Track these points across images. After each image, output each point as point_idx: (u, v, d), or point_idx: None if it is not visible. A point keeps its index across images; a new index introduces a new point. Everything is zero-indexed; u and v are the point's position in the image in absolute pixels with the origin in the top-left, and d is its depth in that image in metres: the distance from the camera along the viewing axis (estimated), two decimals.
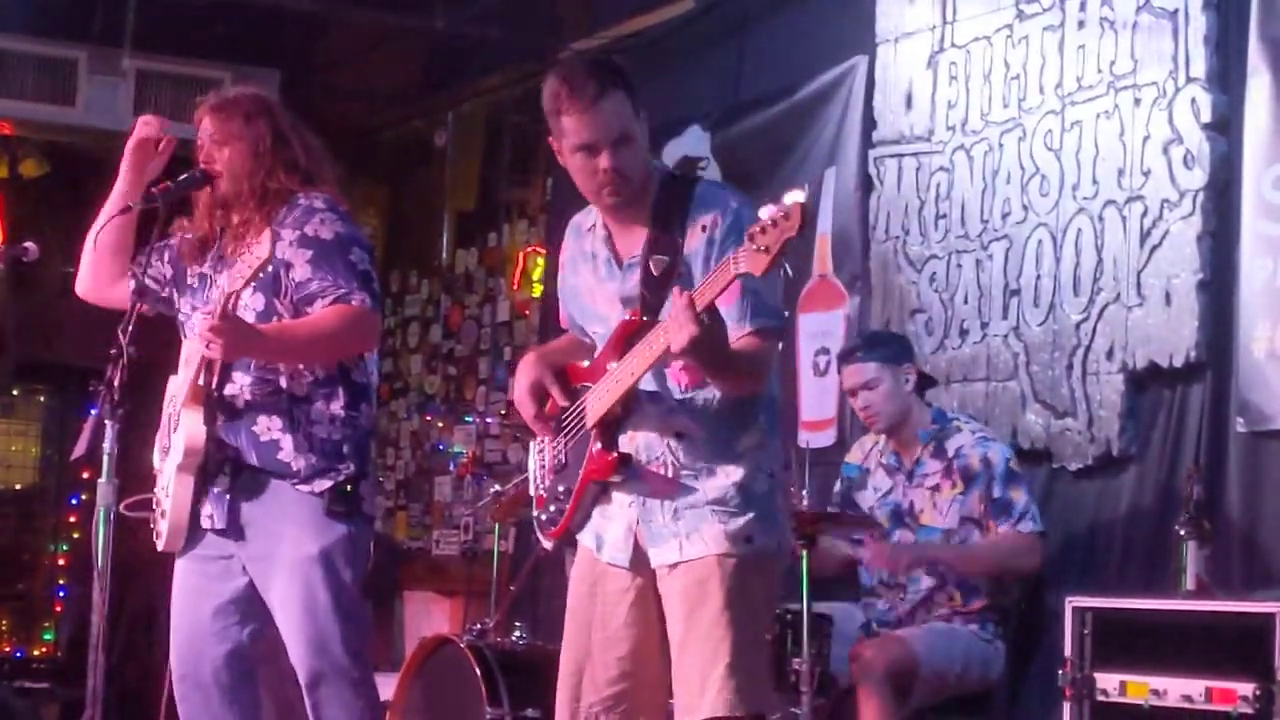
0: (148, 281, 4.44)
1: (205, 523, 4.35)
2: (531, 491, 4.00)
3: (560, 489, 3.84)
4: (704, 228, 3.64)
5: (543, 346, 4.24)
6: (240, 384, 4.33)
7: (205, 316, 4.15)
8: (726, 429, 3.67)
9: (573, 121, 3.66)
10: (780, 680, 4.93)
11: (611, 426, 3.69)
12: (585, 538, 3.85)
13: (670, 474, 3.67)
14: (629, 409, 3.67)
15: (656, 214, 3.69)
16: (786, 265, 3.39)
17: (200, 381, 4.29)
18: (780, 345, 3.74)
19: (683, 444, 3.67)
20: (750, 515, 3.65)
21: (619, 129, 3.64)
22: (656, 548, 3.70)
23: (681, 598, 3.66)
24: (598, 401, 3.69)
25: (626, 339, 3.63)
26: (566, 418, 3.80)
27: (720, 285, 3.38)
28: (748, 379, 3.64)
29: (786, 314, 3.72)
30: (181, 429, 4.28)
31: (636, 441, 3.70)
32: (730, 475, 3.66)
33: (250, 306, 4.29)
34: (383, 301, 4.43)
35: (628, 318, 3.69)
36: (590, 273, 3.86)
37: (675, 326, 3.40)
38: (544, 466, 3.90)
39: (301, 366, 4.32)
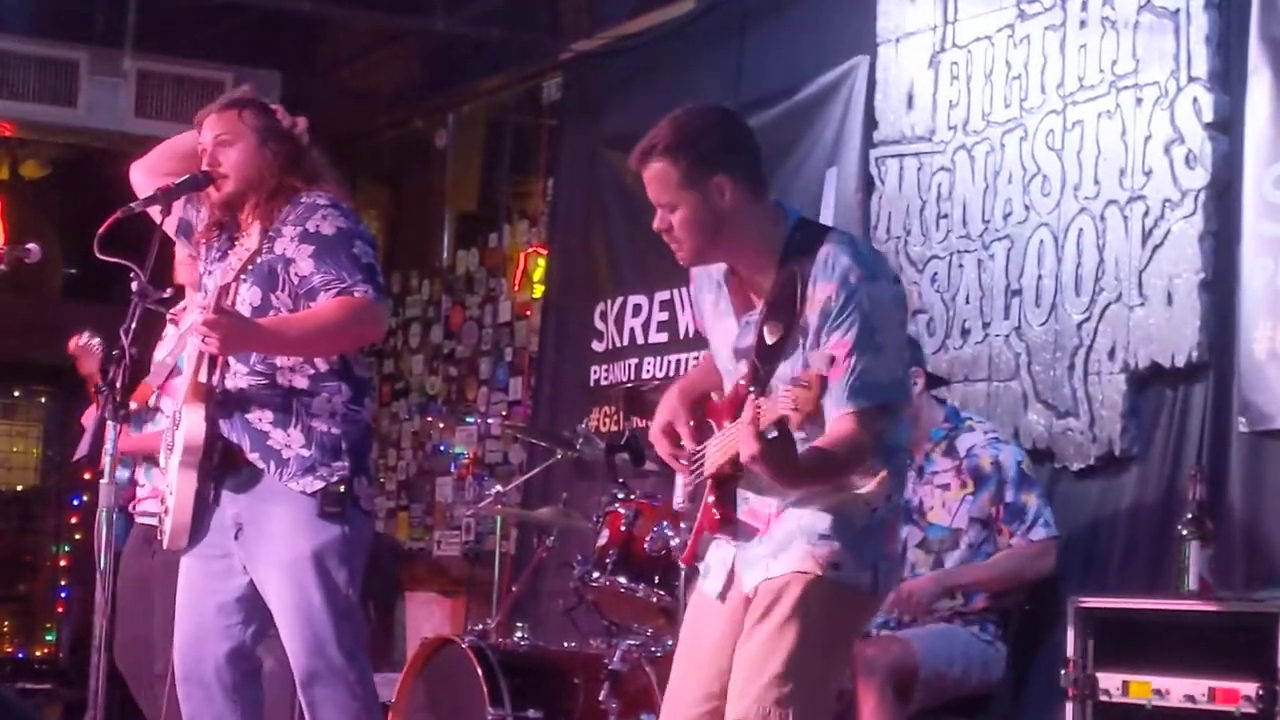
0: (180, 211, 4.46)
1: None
2: (674, 507, 4.07)
3: (686, 521, 3.90)
4: (821, 302, 3.58)
5: (686, 375, 4.24)
6: (237, 375, 4.33)
7: (201, 310, 4.15)
8: None
9: None
10: None
11: (725, 482, 3.69)
12: (702, 564, 3.88)
13: (772, 513, 3.67)
14: (738, 469, 3.64)
15: (782, 270, 3.65)
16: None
17: (201, 378, 4.29)
18: (892, 416, 3.61)
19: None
20: (839, 544, 3.59)
21: (657, 196, 3.67)
22: (747, 573, 3.69)
23: (754, 608, 3.64)
24: (711, 458, 3.71)
25: (739, 404, 3.60)
26: (695, 456, 3.81)
27: (779, 410, 3.36)
28: (831, 477, 3.61)
29: (909, 381, 3.62)
30: (183, 425, 4.28)
31: (746, 484, 3.69)
32: (826, 505, 3.62)
33: (247, 301, 4.30)
34: (387, 293, 4.43)
35: (741, 381, 3.69)
36: (711, 303, 3.84)
37: (741, 440, 3.43)
38: (684, 489, 3.89)
39: (303, 360, 4.32)
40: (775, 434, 3.40)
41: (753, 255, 3.69)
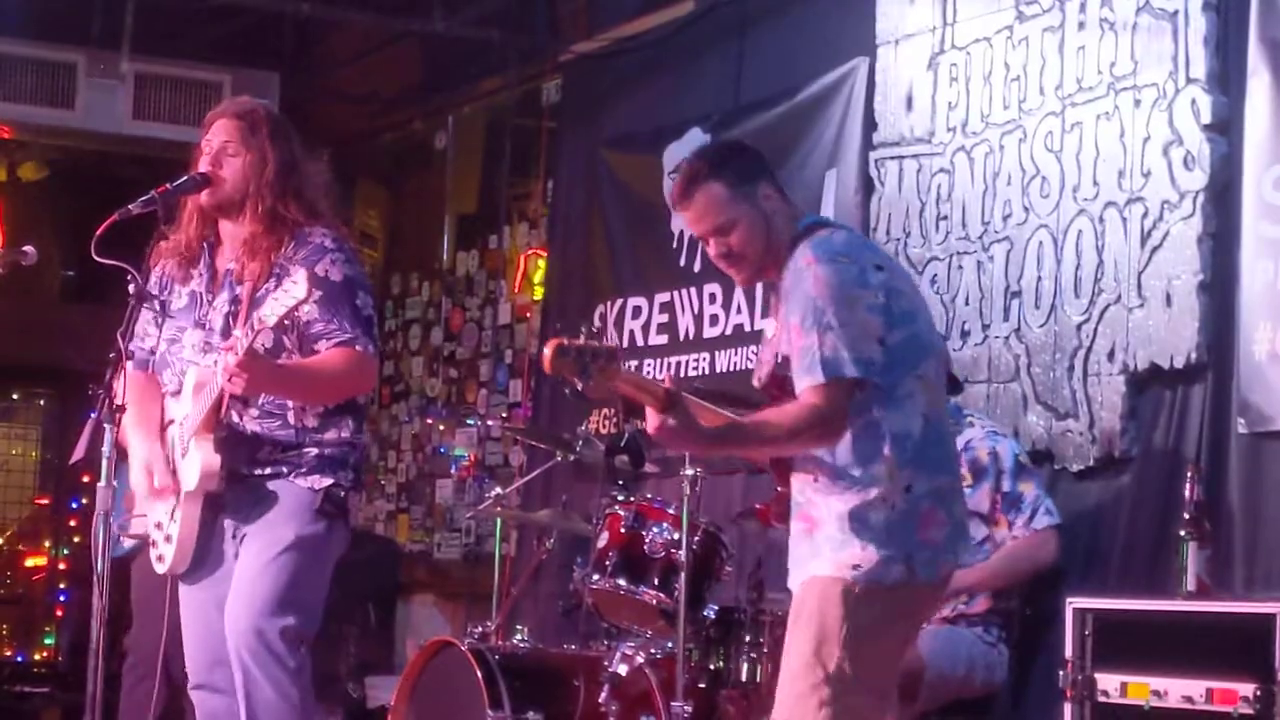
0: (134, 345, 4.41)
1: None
2: None
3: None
4: (784, 294, 3.84)
5: None
6: (249, 418, 4.36)
7: (227, 352, 4.16)
8: (845, 466, 3.79)
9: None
10: None
11: (781, 469, 3.97)
12: None
13: (810, 512, 3.85)
14: (782, 462, 3.96)
15: (782, 278, 3.89)
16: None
17: (217, 414, 4.31)
18: (873, 393, 3.76)
19: (817, 483, 3.84)
20: (858, 544, 3.76)
21: (711, 222, 3.88)
22: (793, 573, 3.92)
23: (791, 612, 3.87)
24: None
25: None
26: None
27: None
28: (763, 444, 3.86)
29: (861, 360, 3.74)
30: (194, 458, 4.30)
31: (794, 485, 3.92)
32: (845, 504, 3.78)
33: (260, 343, 4.28)
34: (380, 346, 4.52)
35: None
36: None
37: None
38: None
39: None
40: (668, 409, 3.67)
41: (781, 258, 3.89)
